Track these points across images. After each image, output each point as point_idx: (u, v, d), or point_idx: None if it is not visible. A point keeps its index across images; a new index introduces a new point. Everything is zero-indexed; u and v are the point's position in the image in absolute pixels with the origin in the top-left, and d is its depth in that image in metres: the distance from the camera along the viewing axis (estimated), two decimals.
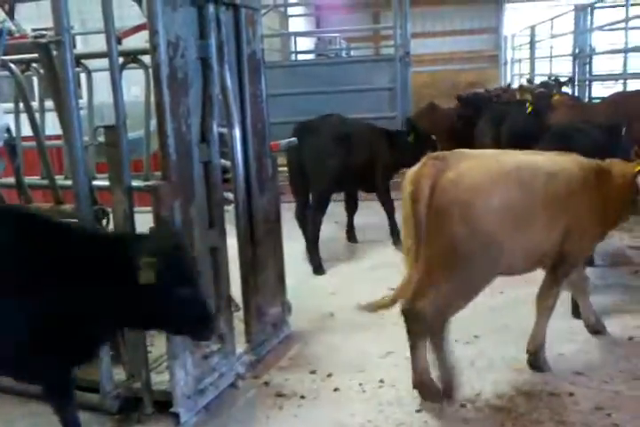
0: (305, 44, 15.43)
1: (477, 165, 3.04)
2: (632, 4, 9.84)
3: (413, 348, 3.13)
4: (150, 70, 3.23)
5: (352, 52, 16.13)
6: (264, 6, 7.17)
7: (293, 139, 4.55)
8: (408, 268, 3.10)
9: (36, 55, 3.27)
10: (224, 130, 3.49)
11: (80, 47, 8.78)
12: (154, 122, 3.42)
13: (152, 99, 3.33)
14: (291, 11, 14.14)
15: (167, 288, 2.47)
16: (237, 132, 3.56)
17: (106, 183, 3.19)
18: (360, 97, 8.41)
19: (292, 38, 13.89)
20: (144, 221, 3.03)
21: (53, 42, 3.06)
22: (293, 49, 13.85)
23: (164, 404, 3.06)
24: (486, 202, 2.95)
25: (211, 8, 3.40)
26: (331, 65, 10.03)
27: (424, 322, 3.04)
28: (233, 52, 3.69)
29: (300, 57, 14.09)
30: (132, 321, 2.68)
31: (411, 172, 3.11)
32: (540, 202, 3.05)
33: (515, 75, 16.72)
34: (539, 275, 3.44)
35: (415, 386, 3.17)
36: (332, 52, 14.59)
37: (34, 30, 4.13)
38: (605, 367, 3.46)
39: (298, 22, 15.43)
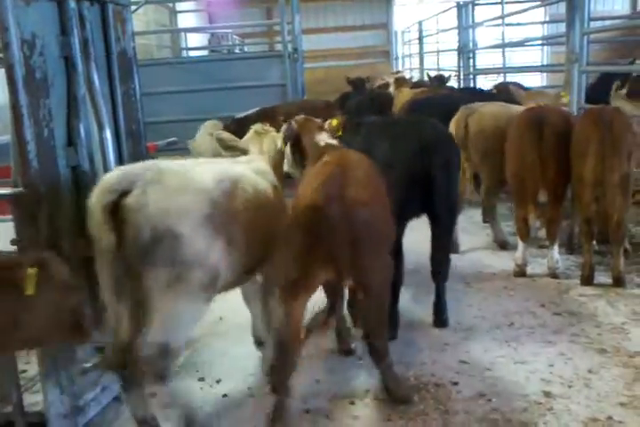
0: (197, 40, 15.12)
1: None
2: (507, 2, 10.30)
3: None
4: None
5: (246, 48, 15.98)
6: (135, 3, 6.91)
7: (173, 139, 4.41)
8: None
9: None
10: None
11: None
12: None
13: None
14: (180, 6, 13.79)
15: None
16: (108, 134, 3.39)
17: None
18: (252, 93, 8.32)
19: (183, 34, 13.58)
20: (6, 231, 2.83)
21: None
22: (184, 45, 13.55)
23: (40, 426, 2.88)
24: None
25: (72, 3, 3.22)
26: (222, 61, 9.88)
27: None
28: (101, 50, 3.51)
29: (192, 53, 13.80)
30: None
31: None
32: None
33: (405, 69, 17.14)
34: None
35: None
36: (225, 48, 14.38)
37: None
38: (487, 354, 3.58)
39: (189, 18, 15.08)
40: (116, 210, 2.53)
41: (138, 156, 3.72)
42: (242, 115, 6.54)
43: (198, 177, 2.73)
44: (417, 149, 3.69)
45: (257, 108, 6.58)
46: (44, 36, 3.03)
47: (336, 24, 18.73)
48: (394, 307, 3.67)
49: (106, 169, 3.40)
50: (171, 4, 13.10)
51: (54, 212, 2.96)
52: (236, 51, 14.89)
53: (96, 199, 2.55)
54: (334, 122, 3.66)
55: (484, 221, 6.00)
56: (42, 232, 2.84)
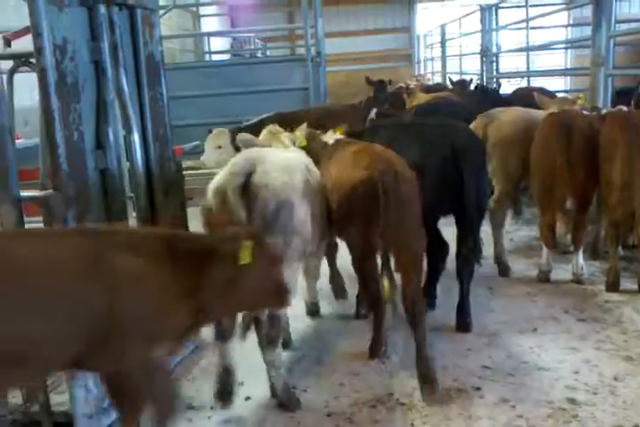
0: (219, 44, 15.24)
1: None
2: (531, 5, 10.23)
3: None
4: None
5: (268, 52, 16.06)
6: (163, 7, 6.98)
7: (197, 142, 4.45)
8: None
9: None
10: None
11: None
12: None
13: None
14: (203, 10, 13.92)
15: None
16: (136, 137, 3.46)
17: None
18: (275, 97, 8.35)
19: (206, 38, 13.69)
20: None
21: None
22: (207, 49, 13.66)
23: (65, 426, 2.92)
24: None
25: (102, 9, 3.27)
26: (245, 65, 9.94)
27: None
28: (130, 55, 3.57)
29: (215, 57, 13.91)
30: None
31: None
32: None
33: (428, 73, 17.11)
34: None
35: None
36: (248, 52, 14.47)
37: None
38: (511, 360, 3.56)
39: (211, 22, 15.21)
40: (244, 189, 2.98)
41: (165, 159, 3.78)
42: (255, 120, 6.49)
43: (293, 160, 3.32)
44: (448, 152, 3.76)
45: (269, 114, 6.56)
46: (75, 41, 3.08)
47: (358, 28, 18.77)
48: (432, 286, 4.15)
49: (134, 172, 3.47)
50: (194, 9, 13.22)
51: (83, 214, 3.01)
52: (258, 55, 14.97)
53: (228, 182, 2.99)
54: (338, 131, 3.99)
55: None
56: None
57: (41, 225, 2.93)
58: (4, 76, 3.15)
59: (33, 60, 3.44)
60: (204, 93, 8.30)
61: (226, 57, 14.33)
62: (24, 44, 3.89)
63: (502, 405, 3.12)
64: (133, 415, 2.48)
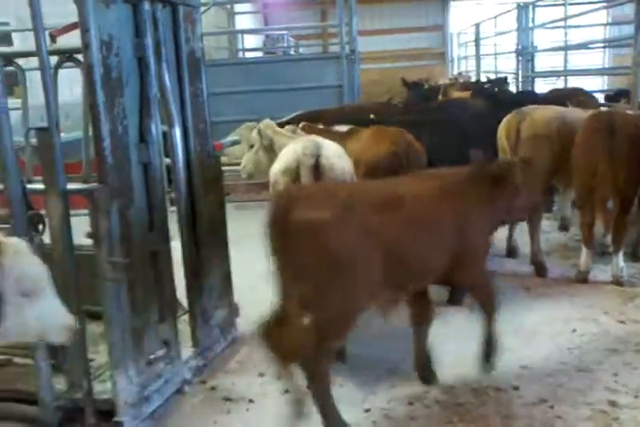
0: (252, 41, 15.31)
1: None
2: (570, 4, 10.08)
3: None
4: None
5: (300, 50, 16.08)
6: (204, 4, 7.04)
7: (236, 138, 4.50)
8: None
9: None
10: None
11: (18, 45, 8.50)
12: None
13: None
14: (237, 8, 13.99)
15: None
16: (178, 132, 3.50)
17: (40, 186, 3.08)
18: (308, 94, 8.37)
19: (240, 36, 13.76)
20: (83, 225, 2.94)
21: None
22: (241, 47, 13.73)
23: (107, 413, 2.97)
24: None
25: (146, 5, 3.32)
26: (279, 62, 9.98)
27: None
28: (171, 51, 3.61)
29: (248, 54, 13.98)
30: None
31: None
32: None
33: (461, 71, 16.97)
34: None
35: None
36: (280, 49, 14.51)
37: None
38: (549, 360, 3.52)
39: (245, 20, 15.29)
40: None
41: (205, 154, 3.81)
42: (289, 117, 6.51)
43: (338, 146, 3.73)
44: None
45: (298, 112, 6.56)
46: (120, 37, 3.12)
47: (390, 26, 18.68)
48: None
49: (175, 166, 3.51)
50: (229, 6, 13.30)
51: (126, 207, 3.06)
52: (291, 52, 15.00)
53: (301, 162, 3.39)
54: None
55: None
56: (114, 226, 2.93)
57: (86, 217, 2.97)
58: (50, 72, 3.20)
59: (77, 56, 3.54)
60: (239, 90, 8.34)
61: (259, 54, 14.39)
62: (68, 40, 3.98)
63: (540, 405, 3.09)
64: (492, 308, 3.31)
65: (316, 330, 2.70)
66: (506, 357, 3.53)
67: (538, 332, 3.88)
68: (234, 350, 3.82)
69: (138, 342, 3.06)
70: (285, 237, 2.69)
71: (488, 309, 3.29)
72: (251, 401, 3.23)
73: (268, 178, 4.39)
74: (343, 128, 4.65)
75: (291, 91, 8.45)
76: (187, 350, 3.52)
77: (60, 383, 3.10)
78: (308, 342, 2.69)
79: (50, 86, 3.03)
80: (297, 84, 8.45)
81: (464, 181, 3.18)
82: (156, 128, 3.36)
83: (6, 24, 8.76)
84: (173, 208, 3.63)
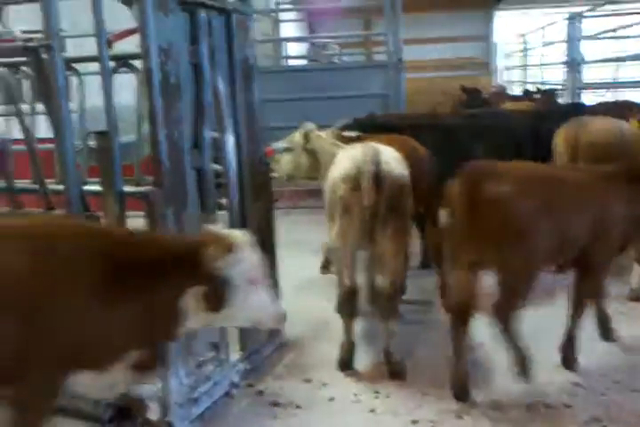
0: (296, 49, 15.40)
1: None
2: (620, 14, 9.90)
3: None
4: (142, 75, 3.19)
5: (344, 58, 16.11)
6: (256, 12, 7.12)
7: (286, 144, 4.52)
8: None
9: (25, 58, 3.21)
10: (217, 135, 3.47)
11: (71, 50, 8.71)
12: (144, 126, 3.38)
13: (144, 103, 3.31)
14: (282, 16, 14.10)
15: None
16: (230, 138, 3.54)
17: (97, 188, 3.14)
18: (353, 103, 8.37)
19: (284, 44, 13.87)
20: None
21: (43, 46, 3.01)
22: (285, 54, 13.82)
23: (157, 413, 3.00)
24: None
25: (202, 13, 3.37)
26: (324, 70, 10.01)
27: None
28: (225, 58, 3.65)
29: (292, 62, 14.07)
30: None
31: None
32: None
33: (506, 82, 16.78)
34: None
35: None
36: (325, 57, 14.56)
37: (23, 32, 4.06)
38: (603, 378, 3.43)
39: (289, 27, 15.40)
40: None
41: (256, 160, 3.84)
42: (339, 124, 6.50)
43: (395, 152, 3.72)
44: None
45: (350, 119, 6.55)
46: (177, 44, 3.17)
47: (434, 35, 18.59)
48: None
49: (226, 172, 3.54)
50: (274, 14, 13.42)
51: (180, 211, 3.09)
52: (335, 60, 15.04)
53: (364, 169, 3.36)
54: None
55: None
56: (169, 230, 2.97)
57: (141, 219, 3.01)
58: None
59: (132, 62, 3.61)
60: (284, 97, 8.38)
61: (303, 62, 14.47)
62: (121, 46, 4.07)
63: (593, 424, 3.01)
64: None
65: (504, 289, 3.13)
66: (558, 373, 3.46)
67: (591, 350, 3.77)
68: (281, 355, 3.83)
69: (187, 345, 3.08)
70: (476, 207, 3.12)
71: (592, 294, 3.61)
72: (298, 407, 3.23)
73: (300, 179, 4.52)
74: (352, 134, 4.72)
75: (335, 99, 8.46)
76: (235, 354, 3.54)
77: None
78: (500, 300, 3.13)
79: (110, 91, 3.10)
80: (342, 91, 8.45)
81: (615, 176, 3.44)
82: (209, 133, 3.40)
83: (62, 31, 8.96)
84: (221, 212, 3.66)
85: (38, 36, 3.25)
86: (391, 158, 3.55)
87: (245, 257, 2.43)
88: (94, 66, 3.39)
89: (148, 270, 2.32)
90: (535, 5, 17.91)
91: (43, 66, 3.10)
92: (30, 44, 3.06)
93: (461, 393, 3.23)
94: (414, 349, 3.85)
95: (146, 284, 2.32)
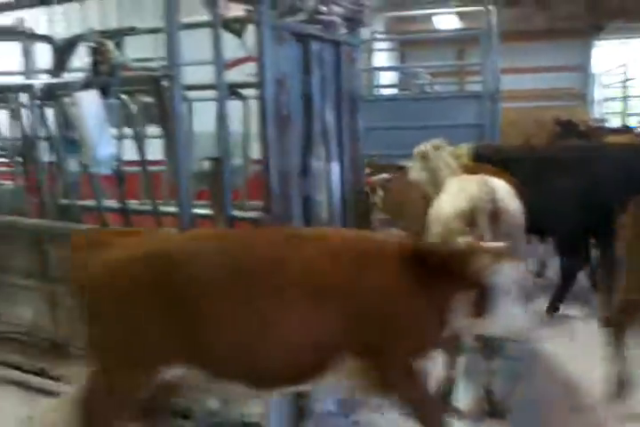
0: (388, 77, 15.51)
1: None
2: None
3: None
4: (249, 103, 3.30)
5: (436, 87, 16.09)
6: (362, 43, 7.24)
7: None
8: None
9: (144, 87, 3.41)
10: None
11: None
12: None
13: (251, 130, 3.42)
14: (376, 45, 14.26)
15: None
16: (336, 168, 3.59)
17: (204, 211, 3.26)
18: (447, 132, 8.30)
19: (377, 72, 14.01)
20: None
21: (166, 76, 3.18)
22: (377, 83, 13.96)
23: None
24: None
25: (315, 45, 3.46)
26: (417, 100, 10.00)
27: None
28: (333, 89, 3.73)
29: (383, 91, 14.17)
30: None
31: None
32: None
33: (605, 113, 16.23)
34: None
35: None
36: (416, 86, 14.59)
37: (134, 60, 4.25)
38: None
39: (381, 56, 15.56)
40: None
41: (358, 189, 3.88)
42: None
43: (508, 186, 3.57)
44: None
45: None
46: (291, 74, 3.27)
47: (531, 64, 18.28)
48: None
49: (331, 201, 3.59)
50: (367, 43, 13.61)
51: None
52: (427, 89, 15.05)
53: (480, 207, 3.27)
54: None
55: None
56: None
57: None
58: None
59: (239, 91, 3.74)
60: (379, 126, 8.41)
61: (394, 91, 14.55)
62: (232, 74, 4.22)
63: None
64: None
65: None
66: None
67: None
68: None
69: None
70: None
71: None
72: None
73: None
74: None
75: (428, 128, 8.42)
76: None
77: (213, 401, 3.20)
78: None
79: (224, 118, 3.23)
80: (434, 121, 8.41)
81: None
82: (316, 163, 3.47)
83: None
84: None
85: (153, 64, 3.45)
86: (506, 193, 3.46)
87: (509, 268, 2.53)
88: (199, 93, 3.53)
89: (436, 276, 2.52)
90: (637, 35, 17.33)
91: (162, 94, 3.28)
92: (155, 73, 3.25)
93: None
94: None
95: (433, 289, 2.53)
